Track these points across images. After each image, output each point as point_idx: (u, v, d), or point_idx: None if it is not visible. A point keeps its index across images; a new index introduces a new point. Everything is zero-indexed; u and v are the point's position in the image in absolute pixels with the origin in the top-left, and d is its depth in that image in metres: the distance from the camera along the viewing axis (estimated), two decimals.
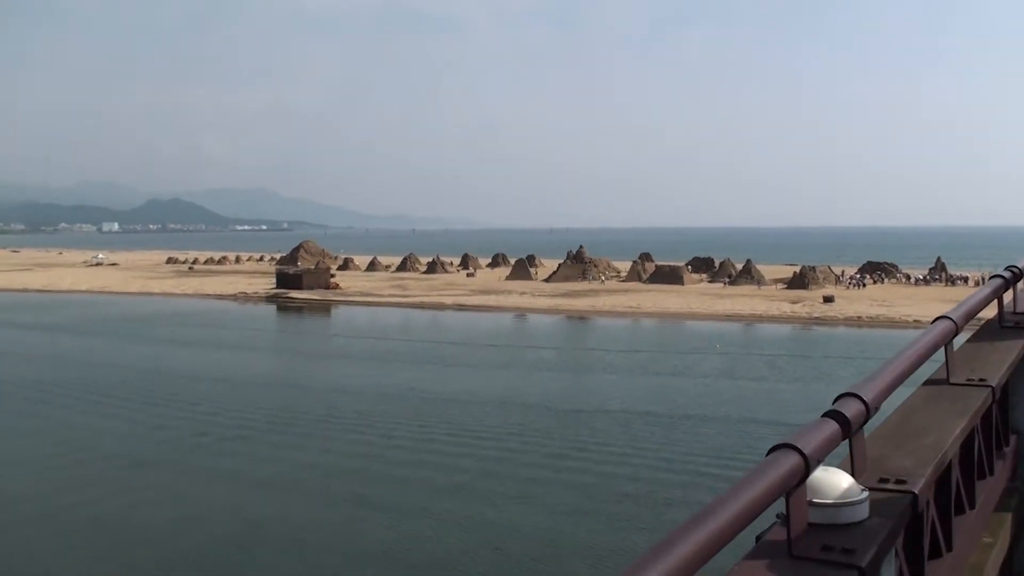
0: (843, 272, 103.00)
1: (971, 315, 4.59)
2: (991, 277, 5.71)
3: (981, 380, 4.45)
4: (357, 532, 23.63)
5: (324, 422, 36.60)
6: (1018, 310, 6.01)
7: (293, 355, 59.62)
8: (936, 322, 4.25)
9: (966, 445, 4.04)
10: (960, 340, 4.79)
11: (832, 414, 2.84)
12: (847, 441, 2.91)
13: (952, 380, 4.45)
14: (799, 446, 2.48)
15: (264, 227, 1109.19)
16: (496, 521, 24.17)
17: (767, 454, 2.47)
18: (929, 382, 4.46)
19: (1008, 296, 5.89)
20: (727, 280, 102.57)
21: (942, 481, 3.52)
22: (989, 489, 4.47)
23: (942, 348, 4.23)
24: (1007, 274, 5.67)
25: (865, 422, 3.02)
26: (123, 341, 63.10)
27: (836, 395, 2.99)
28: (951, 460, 3.65)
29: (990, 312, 5.68)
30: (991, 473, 4.56)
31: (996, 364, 4.84)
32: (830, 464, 2.79)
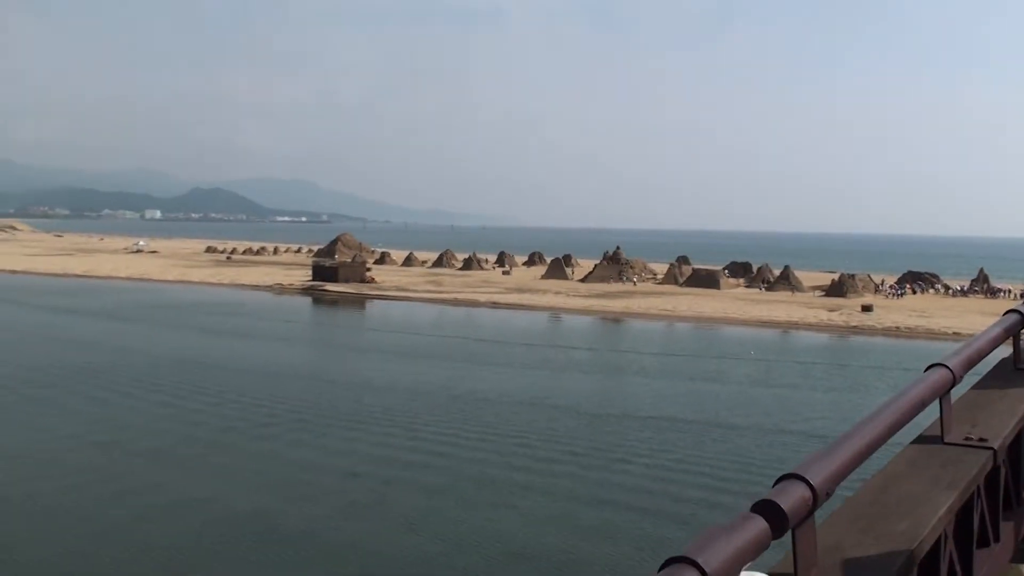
0: (883, 281, 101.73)
1: (974, 362, 3.90)
2: (1006, 313, 4.97)
3: (981, 440, 3.71)
4: (361, 529, 23.47)
5: (350, 418, 36.49)
6: None
7: (324, 348, 59.71)
8: (929, 370, 3.53)
9: (964, 513, 3.48)
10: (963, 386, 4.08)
11: (762, 506, 2.25)
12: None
13: (947, 439, 3.74)
14: (699, 561, 1.92)
15: (304, 219, 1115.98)
16: (512, 531, 23.95)
17: (660, 569, 1.95)
18: (920, 439, 3.79)
19: None
20: (764, 286, 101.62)
21: None
22: (993, 558, 3.86)
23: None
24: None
25: (812, 511, 2.43)
26: (157, 328, 63.55)
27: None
28: (937, 539, 3.11)
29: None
30: (996, 540, 3.89)
31: (1004, 416, 4.13)
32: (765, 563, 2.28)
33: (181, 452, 30.61)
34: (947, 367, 3.58)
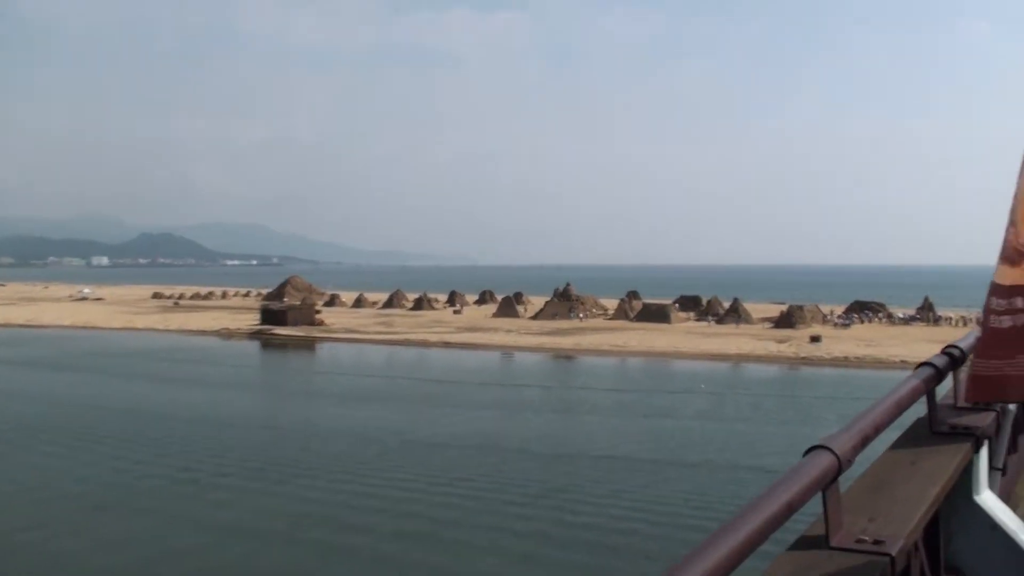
0: (831, 311, 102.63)
1: (869, 439, 3.00)
2: (919, 366, 4.13)
3: (877, 542, 2.80)
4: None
5: (295, 466, 35.56)
6: (960, 404, 4.34)
7: (271, 393, 58.63)
8: (810, 454, 2.67)
9: None
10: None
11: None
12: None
13: (833, 542, 2.80)
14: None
15: (255, 262, 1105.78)
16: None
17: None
18: (801, 542, 2.85)
19: (946, 384, 4.29)
20: (713, 318, 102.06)
21: None
22: None
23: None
24: (941, 360, 4.20)
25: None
26: (99, 377, 62.01)
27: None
28: None
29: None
30: None
31: (910, 503, 3.20)
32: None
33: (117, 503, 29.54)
34: (831, 451, 2.67)
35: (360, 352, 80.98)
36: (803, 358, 70.58)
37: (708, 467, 34.97)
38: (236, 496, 30.84)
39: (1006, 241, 3.83)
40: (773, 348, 75.61)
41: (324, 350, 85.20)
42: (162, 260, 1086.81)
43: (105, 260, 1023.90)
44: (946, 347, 4.36)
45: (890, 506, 3.14)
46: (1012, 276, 3.79)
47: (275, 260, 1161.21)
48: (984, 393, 3.99)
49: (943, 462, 3.67)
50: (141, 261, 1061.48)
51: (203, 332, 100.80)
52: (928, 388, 4.01)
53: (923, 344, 74.84)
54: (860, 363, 67.22)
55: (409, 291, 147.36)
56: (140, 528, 27.10)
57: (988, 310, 3.89)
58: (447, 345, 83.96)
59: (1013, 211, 3.83)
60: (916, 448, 3.92)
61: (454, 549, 25.10)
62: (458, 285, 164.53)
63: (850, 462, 2.76)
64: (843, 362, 68.01)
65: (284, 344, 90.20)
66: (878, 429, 3.12)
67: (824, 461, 2.63)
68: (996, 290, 3.84)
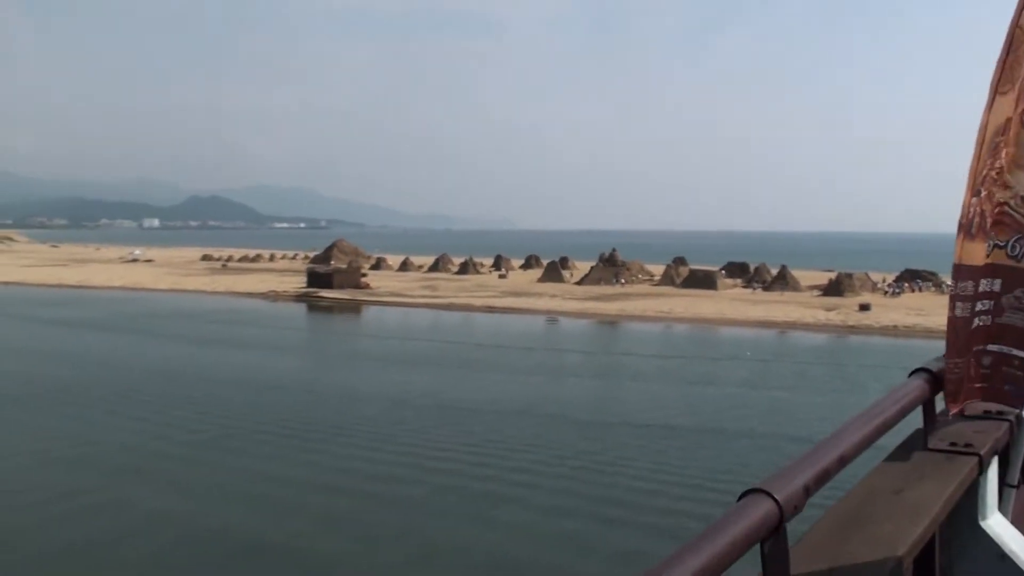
0: (883, 279, 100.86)
1: (822, 479, 2.27)
2: (912, 373, 3.44)
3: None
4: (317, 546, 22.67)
5: (334, 430, 35.63)
6: (968, 412, 3.66)
7: (313, 356, 58.86)
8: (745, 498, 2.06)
9: None
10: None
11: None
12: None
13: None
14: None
15: (303, 225, 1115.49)
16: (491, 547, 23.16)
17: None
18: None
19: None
20: (759, 285, 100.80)
21: None
22: None
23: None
24: (937, 365, 3.48)
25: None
26: (144, 339, 62.72)
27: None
28: None
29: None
30: None
31: (901, 527, 2.68)
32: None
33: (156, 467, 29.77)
34: (771, 496, 2.03)
35: (403, 315, 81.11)
36: (851, 326, 69.44)
37: (749, 435, 34.49)
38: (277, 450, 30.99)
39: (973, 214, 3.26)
40: (821, 316, 74.46)
41: (368, 313, 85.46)
42: (212, 223, 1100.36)
43: (156, 222, 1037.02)
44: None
45: (866, 548, 2.52)
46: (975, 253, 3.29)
47: (323, 223, 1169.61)
48: (960, 400, 3.40)
49: (936, 488, 3.01)
50: (191, 223, 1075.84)
51: (250, 294, 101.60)
52: (924, 399, 3.34)
53: None
54: (909, 332, 66.01)
55: (455, 255, 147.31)
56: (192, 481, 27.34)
57: (956, 297, 3.36)
58: (491, 310, 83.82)
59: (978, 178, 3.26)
60: (907, 464, 3.28)
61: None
62: (503, 249, 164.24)
63: (797, 508, 2.09)
64: (892, 331, 66.83)
65: (329, 307, 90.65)
66: (844, 462, 2.40)
67: (762, 508, 2.01)
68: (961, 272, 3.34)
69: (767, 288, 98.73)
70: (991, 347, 3.39)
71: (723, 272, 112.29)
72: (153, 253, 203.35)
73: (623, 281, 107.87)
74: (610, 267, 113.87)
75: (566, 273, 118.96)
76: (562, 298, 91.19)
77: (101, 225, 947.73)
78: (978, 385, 3.42)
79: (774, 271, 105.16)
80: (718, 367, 51.40)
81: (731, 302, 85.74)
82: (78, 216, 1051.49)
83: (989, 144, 3.24)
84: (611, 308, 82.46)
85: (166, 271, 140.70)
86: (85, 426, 35.71)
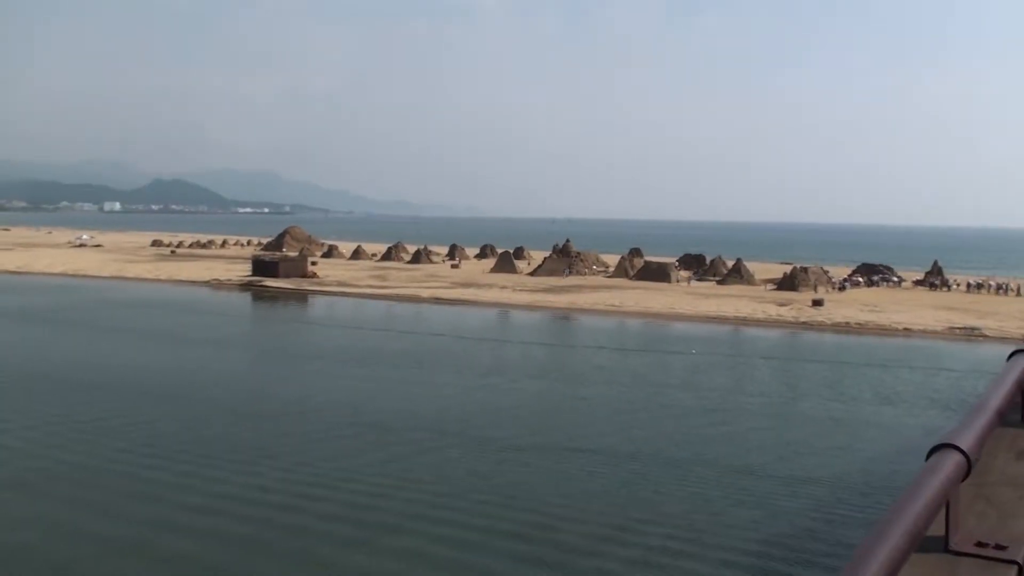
0: (841, 273, 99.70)
1: (985, 438, 2.81)
2: (1012, 355, 3.96)
3: (998, 546, 2.61)
4: None
5: (231, 451, 33.14)
6: None
7: (230, 351, 55.09)
8: (935, 455, 2.55)
9: None
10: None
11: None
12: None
13: (952, 545, 2.61)
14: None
15: (266, 209, 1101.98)
16: None
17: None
18: (924, 548, 2.56)
19: None
20: (709, 277, 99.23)
21: None
22: None
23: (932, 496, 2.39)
24: None
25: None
26: (67, 330, 59.77)
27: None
28: None
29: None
30: None
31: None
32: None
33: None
34: (958, 451, 2.60)
35: (347, 306, 78.46)
36: (803, 323, 67.75)
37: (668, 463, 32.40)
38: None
39: None
40: (773, 311, 72.76)
41: (311, 304, 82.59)
42: (174, 207, 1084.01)
43: (117, 206, 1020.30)
44: None
45: (1004, 507, 2.97)
46: None
47: (287, 208, 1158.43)
48: None
49: None
50: (153, 207, 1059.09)
51: (192, 282, 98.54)
52: None
53: (928, 310, 72.12)
54: (861, 329, 64.46)
55: (413, 243, 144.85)
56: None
57: None
58: (438, 301, 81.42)
59: None
60: (1016, 442, 3.60)
61: None
62: (464, 238, 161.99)
63: (977, 459, 2.75)
64: (844, 328, 65.21)
65: (273, 296, 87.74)
66: (1000, 415, 3.12)
67: (954, 464, 2.53)
68: None
69: (721, 282, 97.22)
70: None
71: (677, 264, 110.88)
72: (105, 238, 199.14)
73: (571, 272, 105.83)
74: (563, 258, 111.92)
75: (520, 263, 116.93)
76: (512, 290, 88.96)
77: (61, 208, 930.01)
78: None
79: (731, 263, 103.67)
80: (656, 360, 49.30)
81: (683, 295, 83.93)
82: (37, 198, 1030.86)
83: None
84: (560, 301, 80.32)
85: (113, 257, 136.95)
86: None
